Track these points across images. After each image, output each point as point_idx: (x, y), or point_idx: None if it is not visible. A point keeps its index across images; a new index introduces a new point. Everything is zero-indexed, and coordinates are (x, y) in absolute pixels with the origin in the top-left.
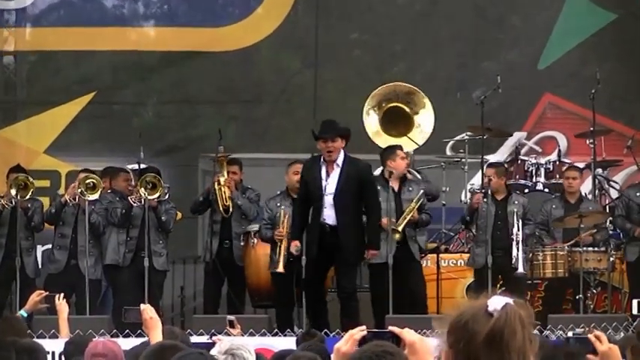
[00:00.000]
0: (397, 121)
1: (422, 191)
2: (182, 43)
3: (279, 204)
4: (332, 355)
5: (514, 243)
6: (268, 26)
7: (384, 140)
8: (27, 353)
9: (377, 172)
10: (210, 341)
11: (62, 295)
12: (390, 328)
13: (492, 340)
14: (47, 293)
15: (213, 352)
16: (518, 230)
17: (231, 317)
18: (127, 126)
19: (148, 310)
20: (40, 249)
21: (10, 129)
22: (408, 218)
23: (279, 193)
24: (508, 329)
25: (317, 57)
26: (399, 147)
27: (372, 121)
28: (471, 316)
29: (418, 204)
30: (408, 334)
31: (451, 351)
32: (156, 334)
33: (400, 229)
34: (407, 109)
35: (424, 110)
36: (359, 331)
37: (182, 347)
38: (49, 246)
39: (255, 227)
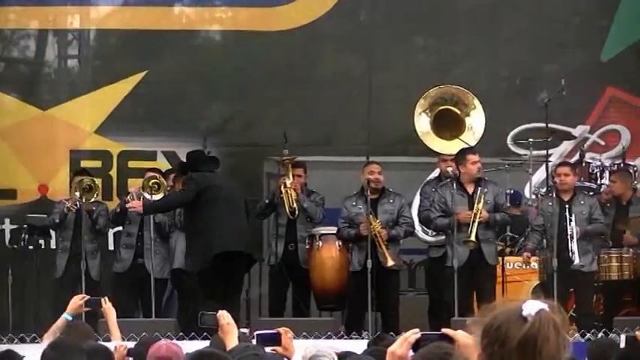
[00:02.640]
0: (449, 124)
1: (487, 192)
2: (233, 22)
3: (354, 203)
4: (386, 359)
5: (569, 237)
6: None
7: (435, 142)
8: (96, 355)
9: (434, 174)
10: (274, 331)
11: (106, 298)
12: (444, 330)
13: (525, 345)
14: (89, 297)
15: (296, 357)
16: (575, 225)
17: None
18: (178, 107)
19: (224, 315)
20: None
21: (59, 108)
22: (476, 222)
23: (355, 192)
24: (541, 336)
25: (374, 58)
26: (470, 150)
27: (423, 124)
28: (505, 320)
29: (481, 204)
30: (462, 337)
31: (484, 353)
32: (232, 339)
33: (473, 237)
34: (458, 112)
35: (475, 112)
36: (412, 334)
37: (220, 355)
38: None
39: (320, 230)
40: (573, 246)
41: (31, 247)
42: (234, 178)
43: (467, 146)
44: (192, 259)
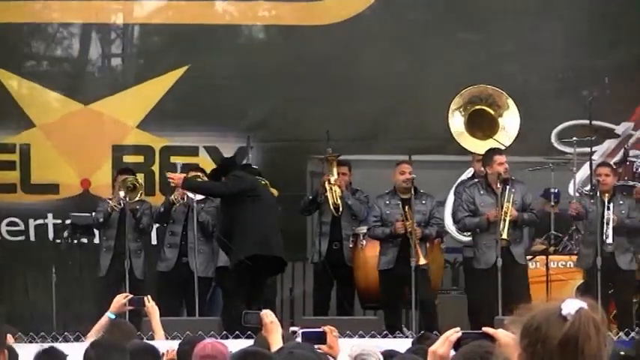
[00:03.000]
0: (482, 124)
1: (515, 192)
2: (276, 18)
3: (387, 202)
4: (428, 358)
5: (604, 221)
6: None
7: (468, 142)
8: (140, 354)
9: (466, 175)
10: (319, 330)
11: (149, 297)
12: (485, 329)
13: (566, 345)
14: (132, 296)
15: (341, 357)
16: (612, 213)
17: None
18: (220, 102)
19: (268, 314)
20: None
21: (101, 104)
22: (507, 221)
23: (387, 191)
24: (582, 335)
25: (418, 54)
26: (497, 151)
27: (457, 123)
28: (544, 320)
29: (510, 202)
30: (503, 336)
31: (524, 353)
32: (275, 337)
33: (505, 235)
34: (492, 112)
35: (508, 112)
36: (454, 333)
37: (264, 354)
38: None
39: (364, 229)
40: (608, 230)
41: (75, 241)
42: (277, 173)
43: (494, 147)
44: (231, 257)
